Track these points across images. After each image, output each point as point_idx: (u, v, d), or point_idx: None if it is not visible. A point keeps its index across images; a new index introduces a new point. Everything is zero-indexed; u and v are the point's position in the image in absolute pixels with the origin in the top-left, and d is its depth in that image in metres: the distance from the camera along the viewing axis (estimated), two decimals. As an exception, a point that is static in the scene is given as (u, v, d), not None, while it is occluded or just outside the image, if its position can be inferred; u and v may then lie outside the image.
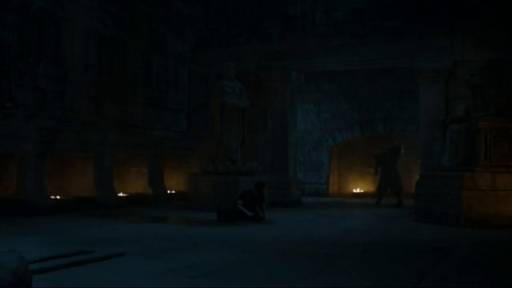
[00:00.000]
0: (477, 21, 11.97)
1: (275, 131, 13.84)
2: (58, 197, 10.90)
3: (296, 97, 14.48)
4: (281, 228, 9.09)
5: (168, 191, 13.66)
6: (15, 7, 10.08)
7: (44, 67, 10.59)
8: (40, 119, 10.36)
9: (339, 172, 18.29)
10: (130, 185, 13.04)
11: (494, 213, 8.96)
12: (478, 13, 11.99)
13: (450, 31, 12.21)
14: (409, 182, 16.05)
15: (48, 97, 10.70)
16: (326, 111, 17.51)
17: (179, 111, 14.58)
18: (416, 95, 13.27)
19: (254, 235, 8.01)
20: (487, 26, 11.86)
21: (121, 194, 12.30)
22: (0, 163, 9.90)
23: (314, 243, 7.37)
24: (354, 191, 17.88)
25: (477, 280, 5.14)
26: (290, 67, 13.67)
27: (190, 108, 14.81)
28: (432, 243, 7.55)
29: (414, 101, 14.01)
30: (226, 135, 12.05)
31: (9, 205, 9.62)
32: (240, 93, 12.33)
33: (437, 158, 11.05)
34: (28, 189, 9.89)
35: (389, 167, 14.21)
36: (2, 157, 9.84)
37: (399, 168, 14.44)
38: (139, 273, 5.13)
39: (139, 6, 13.14)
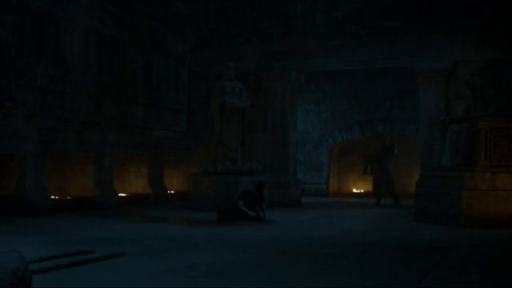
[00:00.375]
0: (477, 21, 11.97)
1: (275, 131, 13.84)
2: (58, 197, 10.90)
3: (296, 97, 14.48)
4: (281, 228, 9.09)
5: (168, 191, 13.66)
6: (15, 7, 10.08)
7: (44, 67, 10.59)
8: (40, 119, 10.35)
9: (339, 172, 18.30)
10: (130, 185, 13.04)
11: (494, 213, 8.96)
12: (478, 13, 11.99)
13: (450, 31, 12.21)
14: (409, 182, 16.07)
15: (48, 97, 10.70)
16: (326, 111, 17.52)
17: (179, 111, 14.58)
18: (416, 95, 13.27)
19: (254, 235, 8.01)
20: (487, 26, 11.86)
21: (121, 194, 12.30)
22: (0, 163, 9.90)
23: (314, 243, 7.37)
24: (354, 191, 17.89)
25: (477, 280, 5.14)
26: (290, 67, 13.67)
27: (190, 108, 14.82)
28: (432, 243, 7.55)
29: (414, 101, 14.01)
30: (226, 135, 12.05)
31: (9, 205, 9.62)
32: (240, 93, 12.32)
33: (437, 158, 11.05)
34: (28, 189, 9.89)
35: (384, 166, 14.21)
36: (2, 157, 9.84)
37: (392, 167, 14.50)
38: (139, 273, 5.12)
39: (139, 6, 13.13)
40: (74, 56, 11.32)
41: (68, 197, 11.12)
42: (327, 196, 16.99)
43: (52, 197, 10.60)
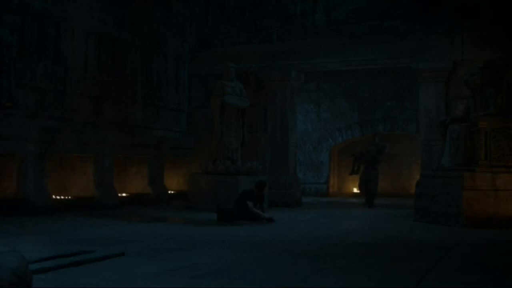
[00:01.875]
0: (477, 21, 11.98)
1: (275, 131, 13.85)
2: (58, 197, 10.91)
3: (296, 97, 14.48)
4: (281, 228, 9.08)
5: (168, 191, 13.66)
6: (15, 7, 10.09)
7: (44, 67, 10.60)
8: (40, 119, 10.36)
9: (339, 172, 18.29)
10: (130, 185, 13.04)
11: (494, 213, 8.97)
12: (478, 13, 11.99)
13: (450, 31, 12.22)
14: (409, 182, 16.07)
15: (48, 97, 10.70)
16: (326, 111, 17.53)
17: (179, 111, 14.58)
18: (416, 95, 13.28)
19: (254, 235, 8.01)
20: (487, 26, 11.87)
21: (121, 194, 12.30)
22: (0, 163, 9.90)
23: (314, 243, 7.37)
24: (354, 191, 17.88)
25: (477, 280, 5.13)
26: (290, 67, 13.68)
27: (190, 108, 14.82)
28: (432, 243, 7.55)
29: (414, 101, 14.02)
30: (226, 135, 12.05)
31: (9, 205, 9.62)
32: (240, 93, 12.32)
33: (437, 158, 11.05)
34: (28, 189, 9.89)
35: (376, 166, 14.19)
36: (2, 157, 9.84)
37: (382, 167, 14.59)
38: (139, 273, 5.12)
39: (139, 6, 13.14)
40: (74, 56, 11.33)
41: (68, 197, 11.12)
42: (327, 196, 17.00)
43: (52, 197, 10.60)
